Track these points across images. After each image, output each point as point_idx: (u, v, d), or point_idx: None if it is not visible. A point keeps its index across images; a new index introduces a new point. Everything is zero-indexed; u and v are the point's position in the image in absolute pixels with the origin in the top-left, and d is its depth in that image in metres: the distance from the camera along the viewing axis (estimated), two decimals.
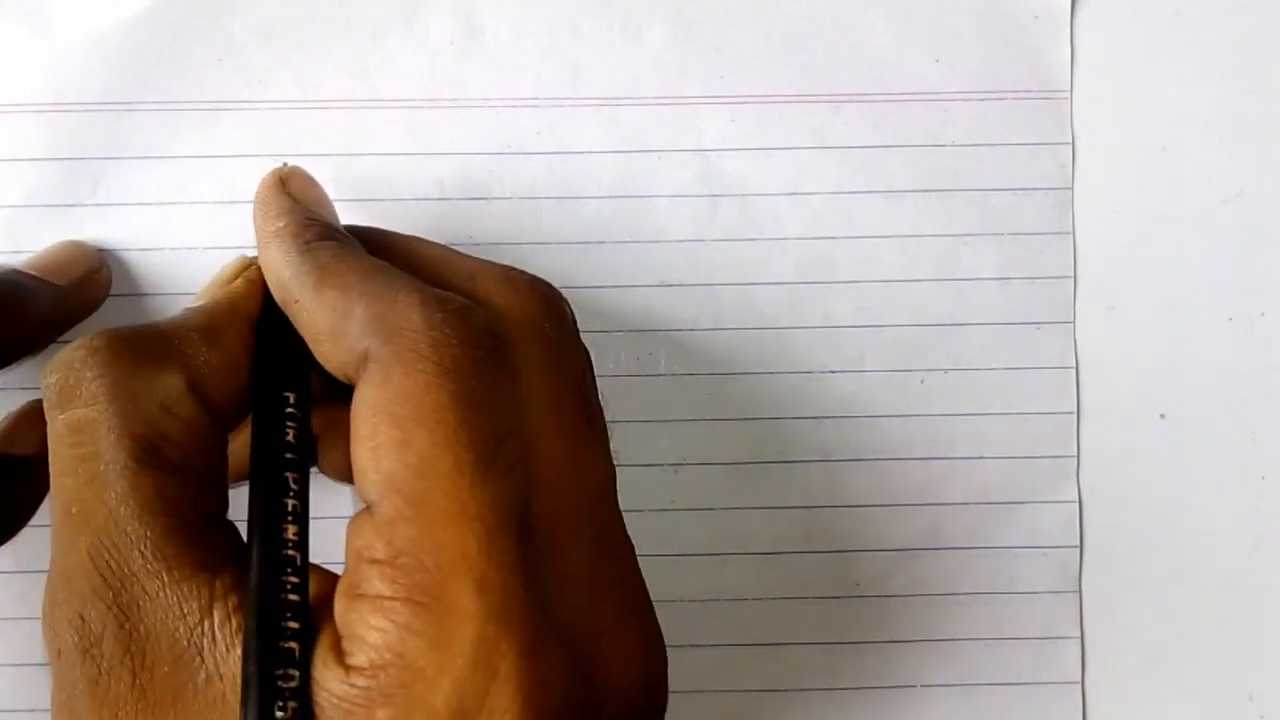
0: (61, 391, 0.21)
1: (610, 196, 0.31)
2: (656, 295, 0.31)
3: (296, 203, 0.25)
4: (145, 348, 0.22)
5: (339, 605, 0.20)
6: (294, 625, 0.20)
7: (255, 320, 0.24)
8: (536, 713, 0.19)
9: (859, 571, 0.31)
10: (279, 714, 0.19)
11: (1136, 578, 0.32)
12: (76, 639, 0.20)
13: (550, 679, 0.20)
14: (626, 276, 0.31)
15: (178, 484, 0.21)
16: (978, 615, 0.31)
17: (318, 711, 0.19)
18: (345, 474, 0.23)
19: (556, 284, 0.31)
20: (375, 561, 0.19)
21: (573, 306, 0.31)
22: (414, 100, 0.31)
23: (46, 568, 0.30)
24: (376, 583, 0.19)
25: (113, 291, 0.30)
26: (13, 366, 0.29)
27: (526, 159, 0.31)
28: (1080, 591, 0.32)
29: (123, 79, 0.30)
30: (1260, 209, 0.32)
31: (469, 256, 0.25)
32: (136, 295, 0.30)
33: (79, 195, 0.30)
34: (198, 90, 0.30)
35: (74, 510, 0.21)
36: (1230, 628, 0.32)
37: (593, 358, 0.31)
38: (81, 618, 0.20)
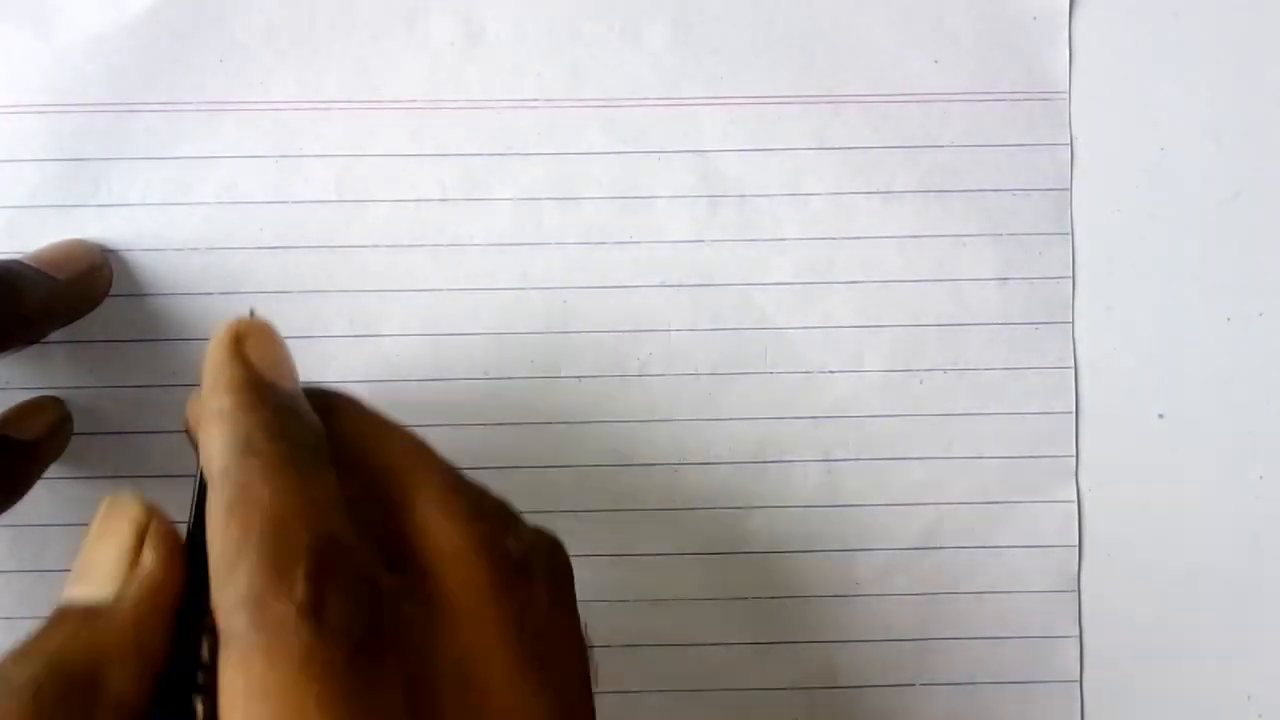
0: None
1: (610, 197, 0.31)
2: (656, 295, 0.31)
3: (250, 371, 0.21)
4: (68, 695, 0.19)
5: None
6: None
7: (175, 607, 0.20)
8: None
9: (859, 571, 0.31)
10: None
11: (1135, 577, 0.32)
12: None
13: None
14: (626, 276, 0.31)
15: None
16: (977, 614, 0.31)
17: None
18: None
19: (557, 284, 0.31)
20: None
21: (573, 306, 0.31)
22: (415, 101, 0.31)
23: (46, 568, 0.30)
24: None
25: (115, 291, 0.30)
26: (7, 355, 0.29)
27: (527, 160, 0.31)
28: (1079, 591, 0.32)
29: (125, 79, 0.30)
30: (1259, 209, 0.32)
31: (441, 472, 0.22)
32: (138, 295, 0.30)
33: (81, 195, 0.30)
34: (199, 91, 0.31)
35: None
36: (1229, 627, 0.32)
37: (593, 358, 0.31)
38: None
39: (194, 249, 0.31)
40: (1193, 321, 0.32)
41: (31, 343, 0.29)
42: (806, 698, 0.31)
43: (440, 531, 0.20)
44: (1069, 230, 0.32)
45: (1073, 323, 0.32)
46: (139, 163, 0.31)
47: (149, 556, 0.20)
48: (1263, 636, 0.32)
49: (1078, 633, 0.32)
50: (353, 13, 0.31)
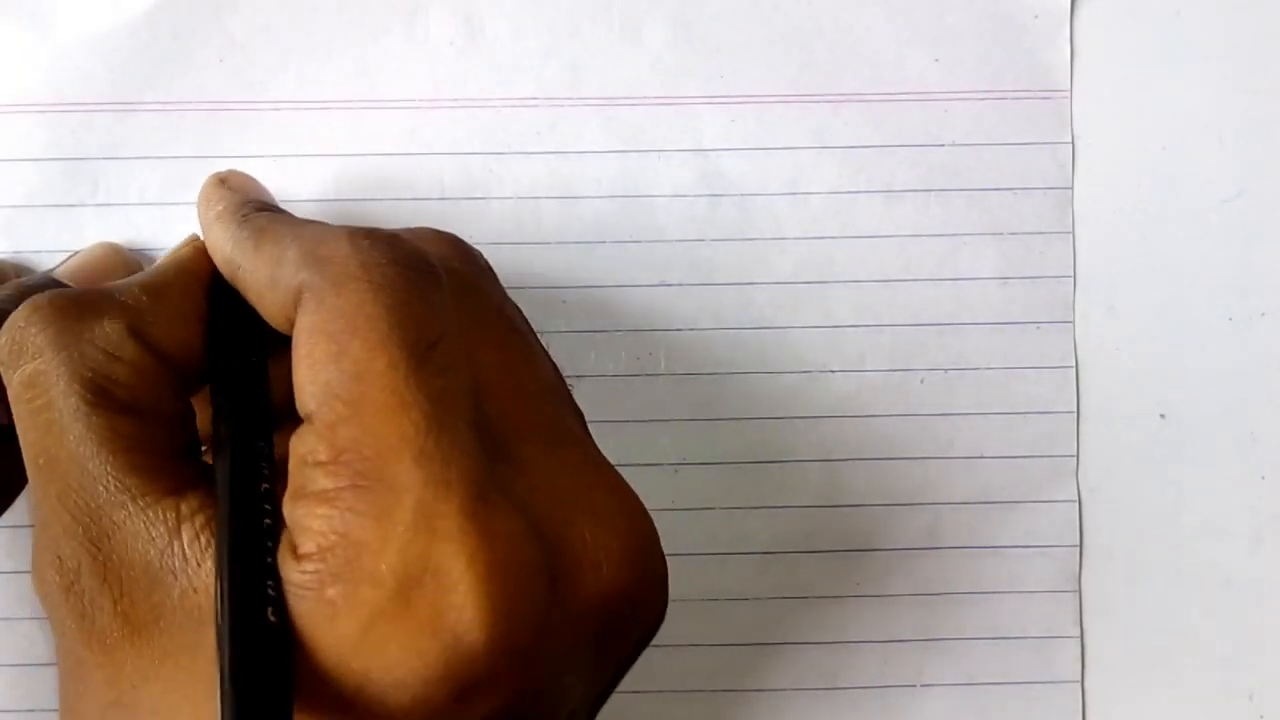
0: (11, 351, 0.22)
1: (610, 196, 0.31)
2: (656, 295, 0.31)
3: (234, 191, 0.26)
4: (86, 301, 0.23)
5: (287, 508, 0.20)
6: (271, 545, 0.20)
7: (205, 282, 0.24)
8: (488, 567, 0.19)
9: (859, 571, 0.31)
10: (272, 618, 0.19)
11: (1136, 577, 0.32)
12: (58, 579, 0.21)
13: (501, 536, 0.20)
14: (626, 276, 0.31)
15: (132, 422, 0.21)
16: (977, 615, 0.31)
17: None
18: None
19: (556, 284, 0.31)
20: (319, 463, 0.20)
21: (573, 306, 0.31)
22: (414, 100, 0.31)
23: None
24: (321, 480, 0.20)
25: None
26: None
27: (526, 159, 0.31)
28: (1080, 591, 0.32)
29: (124, 79, 0.30)
30: (1260, 209, 0.32)
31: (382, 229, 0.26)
32: None
33: (80, 195, 0.30)
34: (198, 90, 0.31)
35: (41, 462, 0.21)
36: (1230, 627, 0.32)
37: (593, 358, 0.31)
38: (59, 558, 0.21)
39: None
40: (1194, 321, 0.32)
41: None
42: (806, 698, 0.31)
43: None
44: (1070, 229, 0.32)
45: (1074, 322, 0.32)
46: (138, 162, 0.30)
47: (184, 248, 0.25)
48: (1265, 637, 0.32)
49: (1079, 633, 0.32)
50: (351, 12, 0.31)
